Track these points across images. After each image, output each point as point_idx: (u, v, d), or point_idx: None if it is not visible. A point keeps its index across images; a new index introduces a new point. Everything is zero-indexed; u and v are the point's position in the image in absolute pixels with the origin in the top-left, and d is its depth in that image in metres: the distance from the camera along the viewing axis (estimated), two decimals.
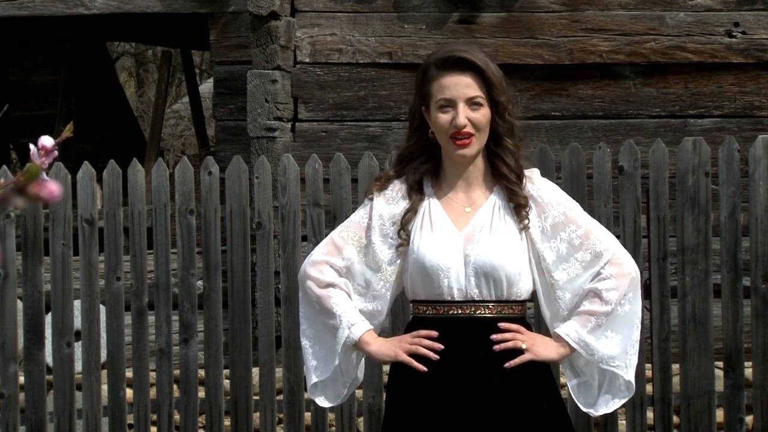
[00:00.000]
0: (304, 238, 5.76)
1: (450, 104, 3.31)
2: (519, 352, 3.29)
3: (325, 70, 7.24)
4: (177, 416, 5.85)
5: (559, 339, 3.34)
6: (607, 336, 3.33)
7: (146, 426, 5.83)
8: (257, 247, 5.79)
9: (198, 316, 5.82)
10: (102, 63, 12.06)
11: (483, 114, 3.32)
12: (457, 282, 3.29)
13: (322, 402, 3.46)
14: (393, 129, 7.19)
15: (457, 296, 3.30)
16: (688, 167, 5.64)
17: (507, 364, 3.27)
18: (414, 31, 7.22)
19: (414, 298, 3.39)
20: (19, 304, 5.99)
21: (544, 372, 3.36)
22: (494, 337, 3.29)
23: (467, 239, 3.32)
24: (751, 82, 7.17)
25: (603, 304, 3.32)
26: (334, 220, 5.69)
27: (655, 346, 5.64)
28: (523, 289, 3.33)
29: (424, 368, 3.28)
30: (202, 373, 5.96)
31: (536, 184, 3.39)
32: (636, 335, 3.38)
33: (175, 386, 5.87)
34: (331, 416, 5.86)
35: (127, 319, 5.86)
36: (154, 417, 5.89)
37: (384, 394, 5.44)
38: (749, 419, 5.79)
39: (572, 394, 3.42)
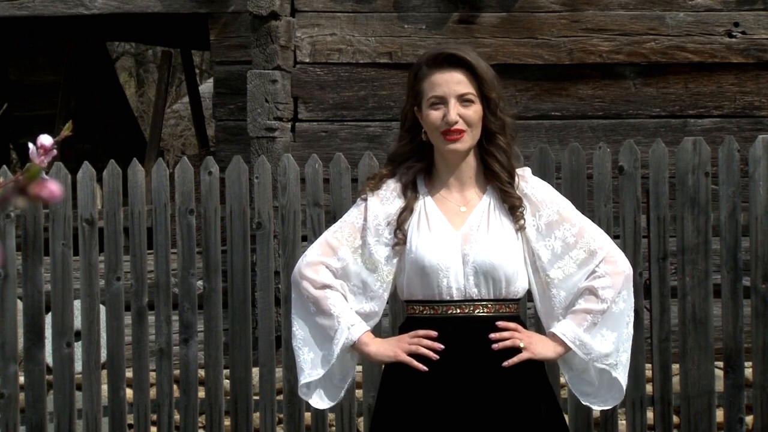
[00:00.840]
0: (304, 238, 5.76)
1: (441, 101, 3.31)
2: (517, 350, 3.29)
3: (325, 70, 7.24)
4: (177, 416, 5.85)
5: (555, 338, 3.34)
6: (602, 334, 3.33)
7: (146, 426, 5.83)
8: (257, 247, 5.79)
9: (198, 316, 5.82)
10: (102, 63, 12.05)
11: (474, 110, 3.32)
12: (456, 281, 3.29)
13: (316, 402, 3.43)
14: (393, 129, 7.19)
15: (456, 296, 3.30)
16: (688, 167, 5.64)
17: (505, 363, 3.28)
18: (414, 31, 7.22)
19: (409, 298, 3.37)
20: (19, 304, 5.99)
21: (539, 372, 3.37)
22: (493, 336, 3.30)
23: (465, 238, 3.31)
24: (751, 82, 7.17)
25: (599, 302, 3.32)
26: (334, 220, 5.67)
27: (655, 346, 5.64)
28: (519, 287, 3.34)
29: (425, 368, 3.28)
30: (202, 373, 5.96)
31: (530, 182, 3.39)
32: (627, 333, 3.38)
33: (175, 386, 5.87)
34: (331, 416, 5.86)
35: (127, 319, 5.86)
36: (154, 417, 5.89)
37: None
38: (749, 419, 5.79)
39: (571, 387, 3.43)
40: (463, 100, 3.31)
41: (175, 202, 5.85)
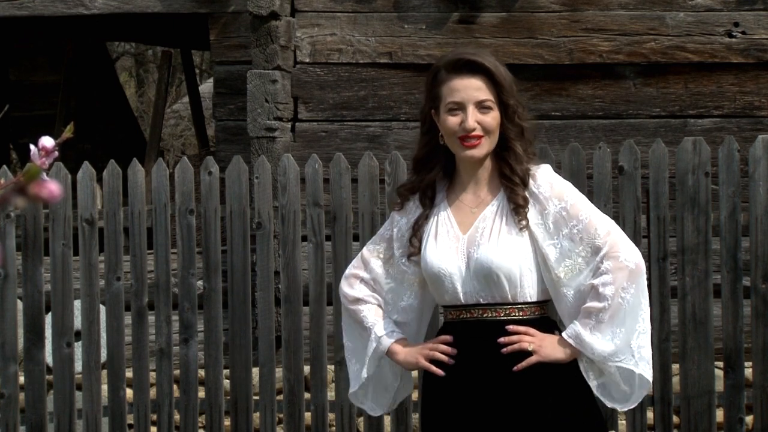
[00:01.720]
0: (304, 238, 5.76)
1: (459, 107, 3.32)
2: (529, 354, 3.29)
3: (325, 70, 7.24)
4: (177, 416, 5.85)
5: (563, 339, 3.34)
6: (606, 332, 3.28)
7: (146, 426, 5.83)
8: (257, 247, 5.79)
9: (198, 316, 5.82)
10: (102, 63, 12.05)
11: (493, 117, 3.33)
12: (462, 286, 3.32)
13: (370, 409, 3.59)
14: (393, 129, 7.19)
15: (464, 300, 3.33)
16: (688, 167, 5.64)
17: (515, 368, 3.28)
18: (414, 31, 7.22)
19: (438, 303, 3.48)
20: (19, 304, 5.99)
21: (560, 374, 3.33)
22: (501, 340, 3.30)
23: (470, 242, 3.33)
24: (751, 82, 7.17)
25: (599, 300, 3.29)
26: (334, 220, 5.69)
27: (655, 346, 5.64)
28: (531, 290, 3.32)
29: (442, 372, 3.34)
30: (202, 373, 5.96)
31: (537, 181, 3.36)
32: (641, 326, 3.31)
33: (175, 386, 5.87)
34: (331, 416, 5.86)
35: (127, 319, 5.86)
36: (154, 417, 5.89)
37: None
38: (749, 419, 5.79)
39: (597, 394, 3.40)
40: (481, 106, 3.33)
41: (175, 202, 5.85)
